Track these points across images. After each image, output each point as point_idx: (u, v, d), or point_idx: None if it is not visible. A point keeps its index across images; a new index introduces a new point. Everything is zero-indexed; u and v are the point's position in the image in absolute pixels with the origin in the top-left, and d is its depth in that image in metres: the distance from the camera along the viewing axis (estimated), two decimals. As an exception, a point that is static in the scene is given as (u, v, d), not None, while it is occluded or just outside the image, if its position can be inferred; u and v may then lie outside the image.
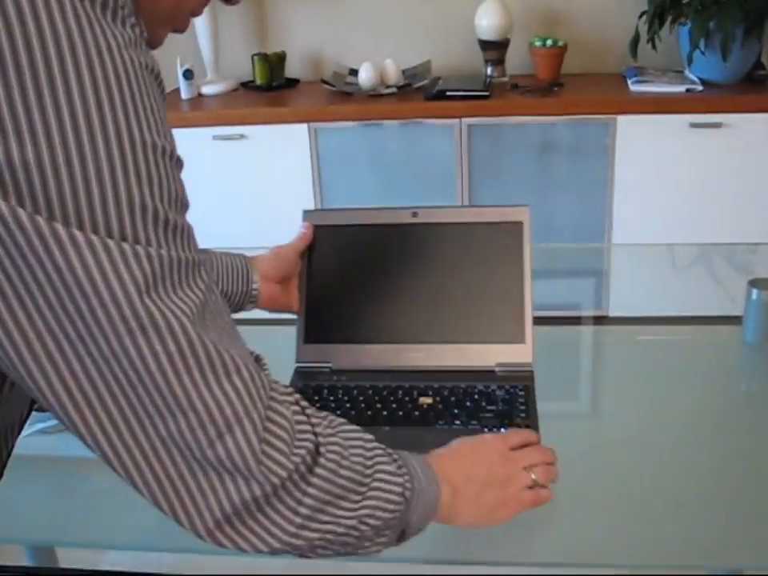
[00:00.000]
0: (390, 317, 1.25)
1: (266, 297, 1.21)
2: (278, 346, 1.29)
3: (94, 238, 0.55)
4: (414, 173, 2.84)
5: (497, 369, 1.20)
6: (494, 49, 2.95)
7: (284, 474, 0.65)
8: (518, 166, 2.79)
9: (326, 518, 0.69)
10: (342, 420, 0.75)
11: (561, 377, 1.31)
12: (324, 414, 0.74)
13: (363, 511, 0.71)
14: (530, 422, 1.08)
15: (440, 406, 1.12)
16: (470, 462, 0.88)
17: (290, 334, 1.26)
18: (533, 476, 0.91)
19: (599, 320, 1.67)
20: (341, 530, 0.70)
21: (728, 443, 1.13)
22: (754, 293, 1.34)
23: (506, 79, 2.97)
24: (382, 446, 0.77)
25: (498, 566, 0.93)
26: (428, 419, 1.10)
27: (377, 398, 1.16)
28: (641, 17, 2.82)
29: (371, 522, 0.72)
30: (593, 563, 0.92)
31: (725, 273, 1.93)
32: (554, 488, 0.93)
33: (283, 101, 2.98)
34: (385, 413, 1.12)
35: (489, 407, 1.12)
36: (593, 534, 0.96)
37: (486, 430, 1.07)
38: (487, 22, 2.90)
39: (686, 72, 2.84)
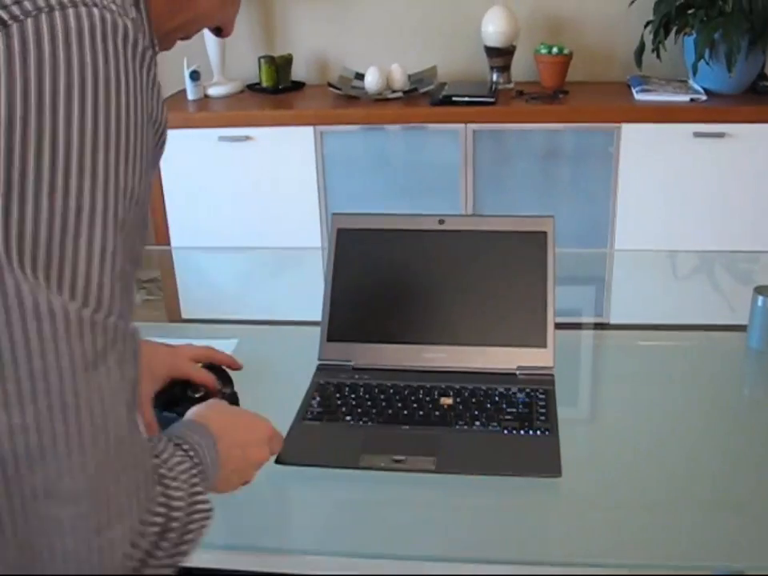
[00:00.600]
0: (413, 318, 1.27)
1: None
2: (301, 344, 1.30)
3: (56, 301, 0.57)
4: (418, 177, 2.86)
5: (518, 372, 1.22)
6: (500, 55, 2.97)
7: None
8: (522, 173, 2.81)
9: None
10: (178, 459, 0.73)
11: (571, 380, 1.32)
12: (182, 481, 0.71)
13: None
14: (550, 425, 1.09)
15: (460, 407, 1.14)
16: (233, 438, 0.88)
17: (314, 332, 1.27)
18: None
19: (600, 327, 1.69)
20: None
21: (732, 448, 1.14)
22: (760, 299, 1.36)
23: (511, 86, 2.99)
24: (190, 455, 0.76)
25: (506, 564, 0.94)
26: (448, 420, 1.12)
27: (397, 396, 1.17)
28: (646, 26, 2.85)
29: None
30: (599, 563, 0.93)
31: (727, 281, 1.95)
32: (561, 490, 0.94)
33: (289, 103, 2.99)
34: (405, 412, 1.14)
35: (509, 409, 1.13)
36: (598, 534, 0.97)
37: (505, 432, 1.09)
38: (494, 29, 2.92)
39: (690, 82, 2.87)
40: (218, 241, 2.92)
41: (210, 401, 0.97)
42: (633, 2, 2.85)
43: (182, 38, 0.81)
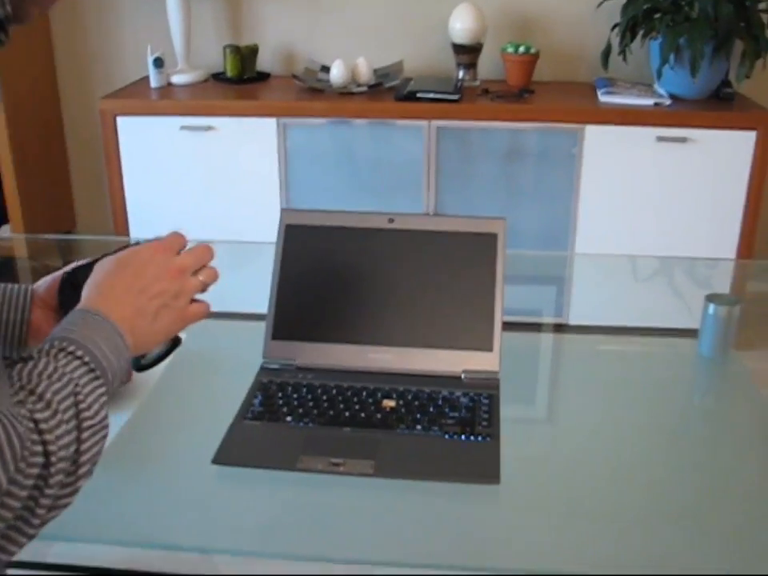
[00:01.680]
0: (359, 318, 1.25)
1: (34, 326, 1.00)
2: (250, 340, 1.28)
3: None
4: (381, 173, 2.84)
5: (463, 375, 1.20)
6: (467, 53, 2.96)
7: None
8: (485, 171, 2.80)
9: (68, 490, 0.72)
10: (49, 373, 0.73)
11: (521, 383, 1.32)
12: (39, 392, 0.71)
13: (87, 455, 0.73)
14: (492, 430, 1.09)
15: (403, 410, 1.13)
16: (139, 290, 0.86)
17: (260, 329, 1.25)
18: (201, 278, 0.92)
19: (559, 328, 1.68)
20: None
21: (676, 456, 1.15)
22: (711, 307, 1.37)
23: (477, 83, 2.98)
24: (81, 360, 0.75)
25: (438, 569, 0.93)
26: (389, 423, 1.10)
27: (340, 397, 1.16)
28: (613, 29, 2.85)
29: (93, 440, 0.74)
30: (533, 571, 0.93)
31: (686, 286, 1.95)
32: (499, 497, 0.93)
33: (253, 94, 2.96)
34: (347, 413, 1.12)
35: (452, 414, 1.12)
36: (534, 542, 0.96)
37: (446, 436, 1.08)
38: (461, 26, 2.91)
39: (656, 86, 2.88)
40: (178, 229, 2.88)
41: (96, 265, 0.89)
42: (601, 3, 2.85)
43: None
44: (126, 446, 1.12)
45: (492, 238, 1.26)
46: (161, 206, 2.93)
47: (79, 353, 0.75)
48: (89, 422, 0.72)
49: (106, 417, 0.75)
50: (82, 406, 0.72)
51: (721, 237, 2.75)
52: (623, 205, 2.77)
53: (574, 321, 2.57)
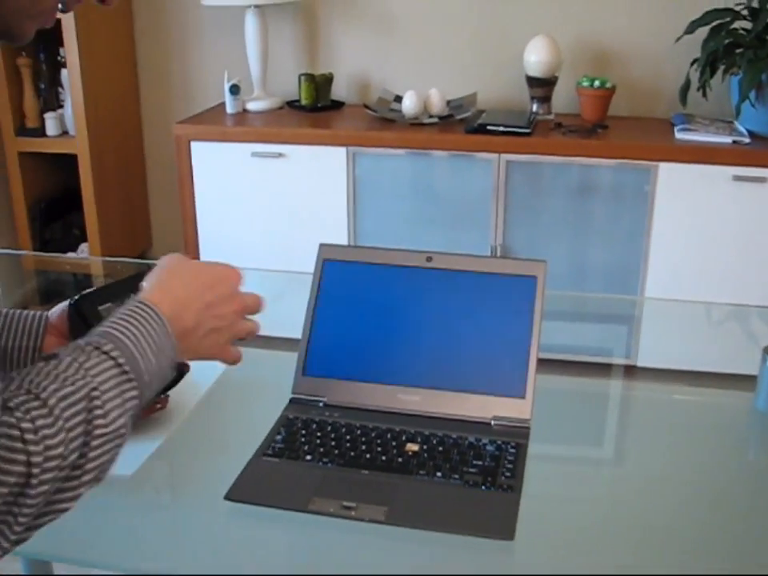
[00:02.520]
0: (391, 357, 1.23)
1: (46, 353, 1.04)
2: (278, 372, 1.27)
3: None
4: (449, 205, 2.82)
5: (493, 422, 1.17)
6: (541, 86, 2.92)
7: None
8: (555, 207, 2.75)
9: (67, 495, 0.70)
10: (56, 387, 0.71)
11: (557, 433, 1.27)
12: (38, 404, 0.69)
13: (101, 460, 0.71)
14: (514, 482, 1.04)
15: (425, 455, 1.09)
16: (207, 303, 0.86)
17: (292, 360, 1.24)
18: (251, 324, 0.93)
19: (628, 369, 1.63)
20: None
21: (728, 511, 1.08)
22: (768, 360, 1.30)
23: (551, 117, 2.94)
24: (114, 361, 0.74)
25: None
26: (409, 468, 1.07)
27: (363, 438, 1.13)
28: (693, 64, 2.77)
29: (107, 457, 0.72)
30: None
31: (761, 335, 1.86)
32: (513, 554, 0.89)
33: (325, 122, 2.98)
34: (368, 455, 1.10)
35: (475, 462, 1.08)
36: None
37: (466, 485, 1.04)
38: (536, 59, 2.88)
39: (736, 123, 2.78)
40: (246, 255, 2.92)
41: (161, 262, 0.90)
42: (679, 38, 2.78)
43: (40, 25, 0.77)
44: (150, 474, 1.13)
45: (532, 280, 1.22)
46: (231, 231, 2.97)
47: (115, 353, 0.74)
48: (102, 430, 0.71)
49: (124, 425, 0.73)
50: (97, 412, 0.71)
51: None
52: (697, 246, 2.68)
53: (642, 363, 2.50)
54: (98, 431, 0.71)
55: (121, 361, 0.74)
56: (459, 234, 2.81)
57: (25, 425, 0.66)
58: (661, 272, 2.72)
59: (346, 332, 1.25)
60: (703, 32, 2.73)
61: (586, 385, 1.48)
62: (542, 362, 1.33)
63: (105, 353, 0.74)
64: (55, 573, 1.70)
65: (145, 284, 0.85)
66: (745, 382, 1.34)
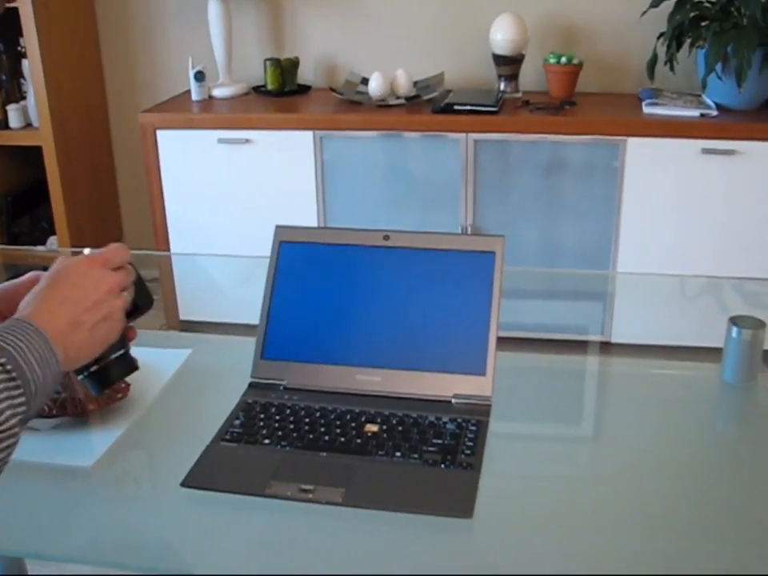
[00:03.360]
0: (350, 338, 1.21)
1: None
2: (241, 357, 1.26)
3: None
4: (418, 186, 2.80)
5: (453, 400, 1.15)
6: (508, 64, 2.90)
7: None
8: (524, 185, 2.74)
9: None
10: None
11: (520, 408, 1.26)
12: None
13: None
14: (474, 460, 1.03)
15: (384, 435, 1.08)
16: (75, 302, 0.86)
17: (251, 345, 1.23)
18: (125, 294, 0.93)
19: (603, 346, 1.62)
20: None
21: (697, 482, 1.07)
22: (734, 330, 1.29)
23: (518, 95, 2.92)
24: (2, 367, 0.75)
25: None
26: (368, 449, 1.06)
27: (322, 420, 1.12)
28: (659, 38, 2.76)
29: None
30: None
31: (734, 306, 1.86)
32: (471, 532, 0.87)
33: (292, 107, 2.95)
34: (326, 437, 1.08)
35: (435, 440, 1.07)
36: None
37: (425, 465, 1.03)
38: (502, 36, 2.86)
39: (704, 96, 2.77)
40: (216, 242, 2.90)
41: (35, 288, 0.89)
42: (645, 12, 2.76)
43: None
44: (111, 464, 1.11)
45: (490, 256, 1.21)
46: (200, 219, 2.94)
47: (2, 360, 0.75)
48: None
49: (15, 425, 0.74)
50: None
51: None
52: (667, 219, 2.68)
53: (616, 339, 2.49)
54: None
55: (8, 367, 0.75)
56: (429, 215, 2.80)
57: None
58: (632, 247, 2.71)
59: (304, 314, 1.23)
60: (668, 6, 2.72)
61: (556, 362, 1.46)
62: (515, 341, 1.32)
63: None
64: (29, 573, 1.68)
65: (25, 300, 0.86)
66: (717, 353, 1.33)
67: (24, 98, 3.12)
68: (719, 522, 0.99)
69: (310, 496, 0.98)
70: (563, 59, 2.84)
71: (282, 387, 1.20)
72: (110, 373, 0.93)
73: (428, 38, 3.11)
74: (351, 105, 2.87)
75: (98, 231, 3.40)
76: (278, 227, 1.28)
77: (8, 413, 0.73)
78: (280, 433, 1.10)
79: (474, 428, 1.09)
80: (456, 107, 2.71)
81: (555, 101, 2.82)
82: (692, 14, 2.67)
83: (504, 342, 1.19)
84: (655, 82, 2.82)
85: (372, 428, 1.10)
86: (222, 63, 3.10)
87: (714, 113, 2.64)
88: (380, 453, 1.05)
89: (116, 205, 3.57)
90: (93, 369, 0.92)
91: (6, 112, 3.07)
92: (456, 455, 1.04)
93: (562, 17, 3.00)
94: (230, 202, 2.91)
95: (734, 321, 1.30)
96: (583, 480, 1.09)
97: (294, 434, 1.09)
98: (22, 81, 3.11)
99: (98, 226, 3.41)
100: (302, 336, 1.22)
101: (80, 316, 0.85)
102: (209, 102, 3.04)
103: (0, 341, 0.77)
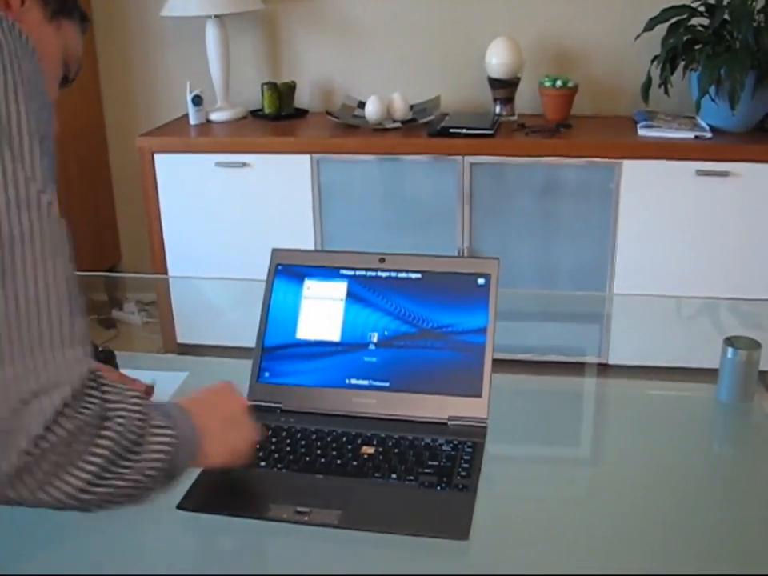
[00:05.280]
0: (345, 361, 1.21)
1: None
2: (233, 380, 1.25)
3: None
4: (414, 209, 2.81)
5: (449, 422, 1.16)
6: (503, 87, 2.92)
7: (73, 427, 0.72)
8: (521, 207, 2.75)
9: (111, 475, 0.75)
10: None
11: (516, 431, 1.26)
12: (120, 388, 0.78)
13: (143, 464, 0.78)
14: (470, 482, 1.03)
15: (380, 458, 1.08)
16: (220, 411, 0.98)
17: (248, 368, 1.24)
18: None
19: (600, 367, 1.63)
20: (124, 483, 0.77)
21: (693, 502, 1.07)
22: (730, 351, 1.29)
23: (514, 118, 2.94)
24: (153, 404, 0.84)
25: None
26: (364, 471, 1.06)
27: (319, 443, 1.12)
28: (653, 61, 2.79)
29: (150, 473, 0.79)
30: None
31: (730, 327, 1.86)
32: (468, 554, 0.87)
33: (289, 131, 2.97)
34: (323, 460, 1.09)
35: (431, 462, 1.07)
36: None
37: (421, 487, 1.03)
38: (497, 60, 2.88)
39: (698, 119, 2.80)
40: (213, 265, 2.90)
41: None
42: (639, 36, 2.79)
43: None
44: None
45: (485, 278, 1.22)
46: (197, 242, 2.95)
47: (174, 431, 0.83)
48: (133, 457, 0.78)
49: (160, 461, 0.80)
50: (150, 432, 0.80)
51: (764, 275, 2.64)
52: (663, 241, 2.68)
53: (612, 361, 2.50)
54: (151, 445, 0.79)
55: (174, 433, 0.83)
56: (426, 238, 2.81)
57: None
58: (628, 268, 2.72)
59: (300, 337, 1.24)
60: (662, 29, 2.75)
61: (552, 383, 1.47)
62: (511, 363, 1.32)
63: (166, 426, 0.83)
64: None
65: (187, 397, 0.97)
66: (713, 374, 1.33)
67: (23, 122, 3.13)
68: (716, 541, 0.99)
69: (307, 518, 0.98)
70: (558, 82, 2.87)
71: (278, 410, 1.20)
72: None
73: (424, 62, 3.14)
74: (348, 128, 2.89)
75: (95, 254, 3.41)
76: (274, 250, 1.29)
77: (160, 447, 0.80)
78: (276, 455, 1.10)
79: (469, 450, 1.10)
80: (452, 130, 2.72)
81: (551, 124, 2.84)
82: (685, 38, 2.69)
83: (500, 364, 1.20)
84: (650, 105, 2.84)
85: (368, 450, 1.10)
86: (220, 87, 3.11)
87: (708, 135, 2.65)
88: (376, 475, 1.05)
89: (114, 228, 3.58)
90: None
91: (4, 136, 3.08)
92: (452, 477, 1.04)
93: (557, 40, 3.02)
94: (228, 226, 2.92)
95: (730, 341, 1.30)
96: (579, 501, 1.09)
97: (291, 457, 1.09)
98: (20, 105, 3.12)
99: (95, 249, 3.42)
100: (298, 359, 1.23)
101: (224, 426, 0.97)
102: (206, 125, 3.06)
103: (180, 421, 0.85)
